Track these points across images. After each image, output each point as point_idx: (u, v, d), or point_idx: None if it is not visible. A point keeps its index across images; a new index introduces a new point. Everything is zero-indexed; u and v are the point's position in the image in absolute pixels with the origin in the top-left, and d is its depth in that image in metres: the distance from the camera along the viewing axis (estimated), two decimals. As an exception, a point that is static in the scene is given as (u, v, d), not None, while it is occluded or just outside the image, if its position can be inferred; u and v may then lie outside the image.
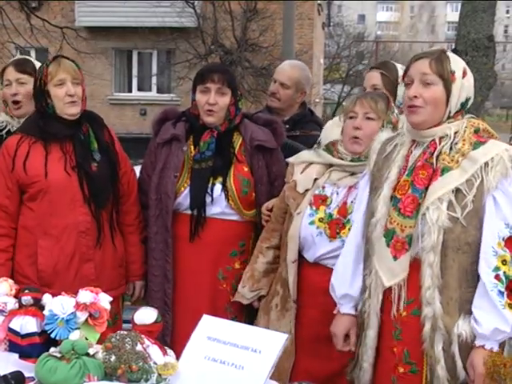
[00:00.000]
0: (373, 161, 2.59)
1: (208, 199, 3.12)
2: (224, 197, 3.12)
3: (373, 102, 2.81)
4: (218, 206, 3.13)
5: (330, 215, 2.84)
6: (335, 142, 2.93)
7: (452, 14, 55.04)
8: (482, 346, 2.30)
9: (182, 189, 3.15)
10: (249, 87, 15.99)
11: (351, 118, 2.84)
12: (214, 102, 3.10)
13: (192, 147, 3.18)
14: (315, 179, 2.90)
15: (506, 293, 2.28)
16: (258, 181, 3.17)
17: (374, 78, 3.36)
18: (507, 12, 61.25)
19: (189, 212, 3.15)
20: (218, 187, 3.12)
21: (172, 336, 3.14)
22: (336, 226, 2.82)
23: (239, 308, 3.18)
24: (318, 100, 20.30)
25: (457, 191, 2.35)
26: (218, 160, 3.14)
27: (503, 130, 28.83)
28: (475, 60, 5.47)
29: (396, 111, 2.89)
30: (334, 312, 2.67)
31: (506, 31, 60.10)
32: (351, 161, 2.84)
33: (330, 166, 2.90)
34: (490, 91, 5.89)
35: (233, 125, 3.19)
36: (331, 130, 3.08)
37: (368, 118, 2.80)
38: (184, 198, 3.14)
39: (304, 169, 2.95)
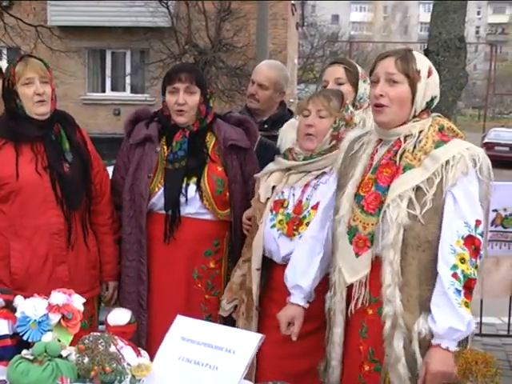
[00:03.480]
0: (340, 159, 2.63)
1: (182, 199, 3.11)
2: (198, 197, 3.12)
3: (325, 100, 2.87)
4: (192, 207, 3.13)
5: (288, 215, 2.90)
6: (292, 148, 2.99)
7: (425, 14, 55.46)
8: (439, 345, 2.31)
9: (156, 189, 3.14)
10: (223, 87, 15.99)
11: (305, 116, 2.89)
12: (183, 101, 3.10)
13: (165, 147, 3.18)
14: (273, 187, 2.96)
15: (463, 291, 2.28)
16: (232, 180, 3.18)
17: (338, 71, 3.44)
18: (478, 13, 61.98)
19: (163, 212, 3.14)
20: (192, 187, 3.12)
21: (147, 338, 3.13)
22: (293, 224, 2.87)
23: (214, 307, 3.19)
24: (292, 100, 20.32)
25: (417, 189, 2.36)
26: (191, 160, 3.13)
27: (475, 130, 29.17)
28: (447, 60, 5.50)
29: (351, 108, 2.96)
30: (286, 301, 2.72)
31: (477, 32, 60.74)
32: (304, 159, 2.91)
33: (288, 170, 2.96)
34: (461, 91, 5.93)
35: (204, 124, 3.19)
36: (287, 132, 3.18)
37: (320, 117, 2.86)
38: (158, 199, 3.14)
39: (266, 179, 3.01)
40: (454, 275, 2.29)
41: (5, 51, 14.18)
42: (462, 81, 5.68)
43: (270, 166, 3.03)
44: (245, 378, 2.14)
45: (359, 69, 3.48)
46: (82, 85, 18.74)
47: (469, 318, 2.29)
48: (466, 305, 2.29)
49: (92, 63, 19.12)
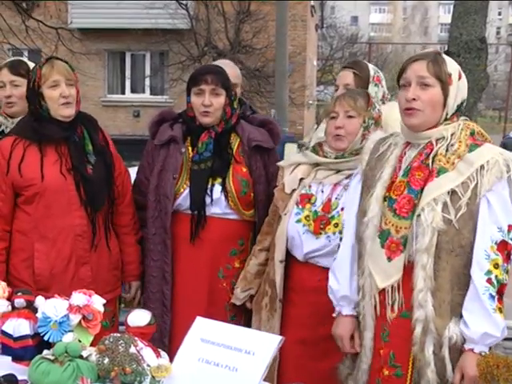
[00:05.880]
0: (365, 160, 2.60)
1: (208, 200, 3.12)
2: (224, 198, 3.13)
3: (352, 100, 2.87)
4: (218, 207, 3.15)
5: (316, 212, 2.88)
6: (322, 142, 2.98)
7: (445, 15, 55.18)
8: (472, 350, 2.30)
9: (182, 190, 3.15)
10: (242, 89, 15.99)
11: (333, 118, 2.89)
12: (209, 103, 3.11)
13: (190, 148, 3.19)
14: (301, 179, 2.95)
15: (496, 297, 2.28)
16: (257, 181, 3.19)
17: (347, 77, 3.45)
18: (499, 14, 61.48)
19: (189, 212, 3.15)
20: (217, 188, 3.13)
21: (171, 337, 3.15)
22: (320, 222, 2.86)
23: (238, 307, 3.20)
24: (311, 102, 20.34)
25: (452, 193, 2.34)
26: (216, 161, 3.15)
27: (496, 132, 28.99)
28: (467, 62, 5.48)
29: (378, 106, 2.96)
30: (334, 315, 2.68)
31: (498, 33, 60.26)
32: (335, 158, 2.90)
33: (317, 165, 2.95)
34: (482, 93, 5.91)
35: (229, 125, 3.20)
36: (320, 134, 3.22)
37: (349, 117, 2.86)
38: (184, 199, 3.15)
39: (292, 170, 2.99)
40: (489, 280, 2.28)
41: (26, 53, 14.29)
42: (483, 82, 5.65)
43: (297, 158, 3.02)
44: (265, 380, 2.14)
45: (372, 72, 3.46)
46: (102, 86, 18.84)
47: (503, 324, 2.29)
48: (500, 310, 2.29)
49: (112, 65, 19.21)
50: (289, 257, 2.96)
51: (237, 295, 3.15)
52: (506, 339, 5.47)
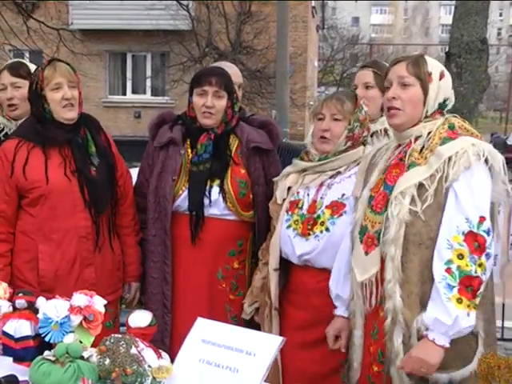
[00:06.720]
0: (365, 167, 2.66)
1: (206, 201, 3.13)
2: (222, 199, 3.14)
3: (339, 103, 2.88)
4: (216, 208, 3.15)
5: (303, 215, 2.90)
6: (308, 151, 3.01)
7: (446, 16, 55.17)
8: (426, 336, 2.30)
9: (181, 191, 3.16)
10: (243, 90, 15.99)
11: (319, 119, 2.92)
12: (212, 104, 3.12)
13: (189, 150, 3.19)
14: (289, 187, 2.99)
15: (457, 287, 2.24)
16: (255, 182, 3.20)
17: (367, 75, 3.42)
18: (500, 15, 61.48)
19: (187, 213, 3.16)
20: (215, 190, 3.14)
21: (171, 338, 3.15)
22: (307, 224, 2.88)
23: (239, 307, 3.21)
24: (312, 103, 20.34)
25: (420, 186, 2.36)
26: (215, 163, 3.15)
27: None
28: (468, 63, 5.48)
29: (365, 109, 2.95)
30: (333, 314, 2.72)
31: (499, 34, 60.31)
32: (319, 160, 2.92)
33: (304, 171, 2.98)
34: (483, 94, 5.90)
35: (229, 127, 3.20)
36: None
37: (335, 120, 2.88)
38: (182, 201, 3.16)
39: (283, 182, 3.03)
40: (448, 270, 2.26)
41: (27, 54, 14.30)
42: (484, 83, 5.64)
43: (287, 169, 3.05)
44: (266, 381, 2.14)
45: None
46: (103, 87, 18.86)
47: (457, 314, 2.24)
48: (459, 301, 2.24)
49: (113, 66, 19.23)
50: (288, 263, 2.98)
51: (245, 310, 3.16)
52: (506, 340, 5.49)
